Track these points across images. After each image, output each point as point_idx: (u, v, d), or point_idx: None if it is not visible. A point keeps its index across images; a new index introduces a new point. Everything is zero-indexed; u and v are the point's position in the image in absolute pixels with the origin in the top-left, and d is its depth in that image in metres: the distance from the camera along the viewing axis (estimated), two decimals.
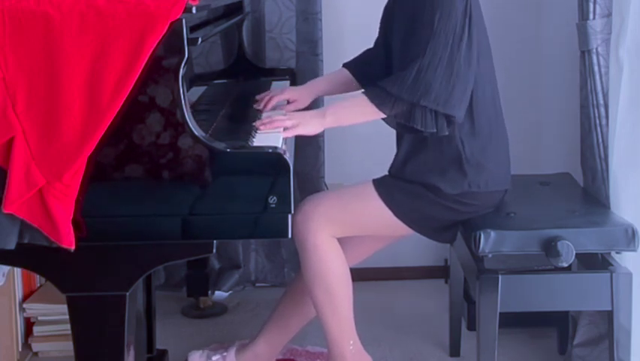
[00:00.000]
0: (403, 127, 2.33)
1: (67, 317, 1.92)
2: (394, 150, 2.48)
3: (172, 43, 1.82)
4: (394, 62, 2.40)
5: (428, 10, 2.25)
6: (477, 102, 2.35)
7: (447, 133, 2.29)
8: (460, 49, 2.25)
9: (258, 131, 2.18)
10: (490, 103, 2.41)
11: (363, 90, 2.36)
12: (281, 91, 2.62)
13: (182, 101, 1.82)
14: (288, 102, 2.59)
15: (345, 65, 2.67)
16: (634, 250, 2.32)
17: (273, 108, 2.54)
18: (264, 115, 2.38)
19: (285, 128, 2.23)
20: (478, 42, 2.33)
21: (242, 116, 2.45)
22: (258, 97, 2.59)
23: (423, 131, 2.27)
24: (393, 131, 2.49)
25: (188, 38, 1.83)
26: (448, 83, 2.23)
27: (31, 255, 1.87)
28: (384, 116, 2.31)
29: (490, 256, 2.33)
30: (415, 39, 2.27)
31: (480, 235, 2.30)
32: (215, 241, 1.89)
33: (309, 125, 2.30)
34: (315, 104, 2.70)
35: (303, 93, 2.63)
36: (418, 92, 2.22)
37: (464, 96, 2.27)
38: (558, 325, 2.81)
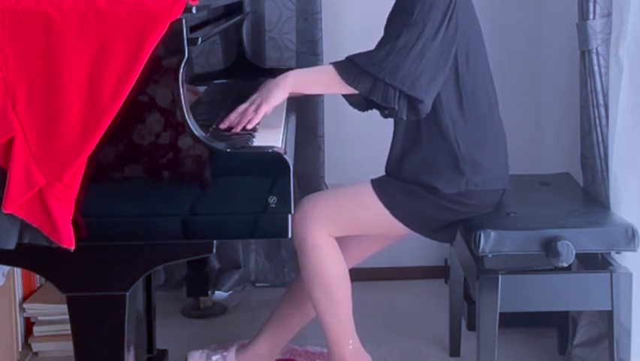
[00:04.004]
0: (366, 107, 2.34)
1: (67, 317, 1.92)
2: None
3: (172, 43, 1.81)
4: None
5: (410, 1, 2.28)
6: (469, 100, 2.36)
7: (404, 118, 2.29)
8: (435, 40, 2.27)
9: (227, 133, 2.14)
10: (485, 101, 2.41)
11: (331, 62, 2.35)
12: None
13: (182, 101, 1.82)
14: None
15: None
16: (634, 250, 2.32)
17: None
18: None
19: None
20: (469, 40, 2.34)
21: None
22: None
23: (383, 108, 2.28)
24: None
25: (188, 38, 1.83)
26: (417, 67, 2.25)
27: (31, 255, 1.86)
28: (349, 90, 2.29)
29: (490, 256, 2.33)
30: (394, 24, 2.31)
31: (480, 235, 2.30)
32: (215, 241, 1.89)
33: (272, 98, 2.25)
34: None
35: None
36: (385, 69, 2.24)
37: (432, 84, 2.28)
38: (558, 325, 2.81)
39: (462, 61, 2.34)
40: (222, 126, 2.17)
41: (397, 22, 2.30)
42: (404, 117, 2.30)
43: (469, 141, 2.37)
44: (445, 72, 2.31)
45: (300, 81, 2.33)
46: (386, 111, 2.31)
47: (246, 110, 2.21)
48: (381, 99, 2.27)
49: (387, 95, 2.26)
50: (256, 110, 2.20)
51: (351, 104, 2.42)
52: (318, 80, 2.36)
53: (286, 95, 2.30)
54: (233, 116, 2.19)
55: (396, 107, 2.27)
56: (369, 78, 2.26)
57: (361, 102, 2.41)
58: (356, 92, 2.29)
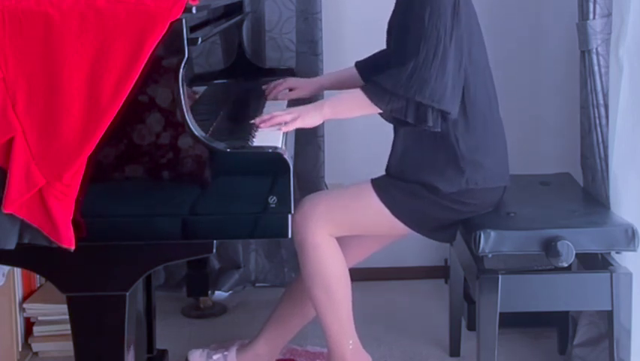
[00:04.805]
0: (399, 121, 2.35)
1: (67, 317, 1.92)
2: None
3: (172, 43, 1.82)
4: (391, 59, 2.42)
5: (418, 6, 2.28)
6: (470, 99, 2.36)
7: (439, 129, 2.31)
8: (451, 45, 2.27)
9: (258, 129, 2.20)
10: (485, 100, 2.42)
11: (361, 86, 2.38)
12: (284, 80, 2.75)
13: (182, 101, 1.82)
14: (290, 90, 2.71)
15: (355, 64, 2.70)
16: (634, 250, 2.32)
17: (275, 98, 2.68)
18: (264, 111, 2.41)
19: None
20: (471, 40, 2.34)
21: (242, 116, 2.45)
22: (264, 86, 2.73)
23: (417, 125, 2.29)
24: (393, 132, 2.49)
25: (188, 38, 1.83)
26: (442, 79, 2.25)
27: (31, 255, 1.87)
28: (380, 110, 2.33)
29: (490, 256, 2.33)
30: (409, 37, 2.30)
31: (480, 235, 2.30)
32: (215, 241, 1.89)
33: (308, 117, 2.31)
34: (316, 98, 2.74)
35: (304, 83, 2.74)
36: (413, 88, 2.24)
37: (455, 92, 2.29)
38: (558, 325, 2.81)
39: (465, 57, 2.34)
40: (255, 122, 2.25)
41: (412, 34, 2.29)
42: (439, 129, 2.31)
43: (468, 139, 2.37)
44: (462, 76, 2.31)
45: (336, 110, 2.38)
46: (418, 127, 2.32)
47: (280, 116, 2.26)
48: (415, 120, 2.28)
49: (418, 115, 2.28)
50: (291, 121, 2.26)
51: (384, 117, 2.43)
52: (353, 106, 2.39)
53: (321, 122, 2.37)
54: (266, 117, 2.26)
55: (431, 123, 2.29)
56: (400, 100, 2.27)
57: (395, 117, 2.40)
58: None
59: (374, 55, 2.70)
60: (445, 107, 2.26)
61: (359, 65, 2.70)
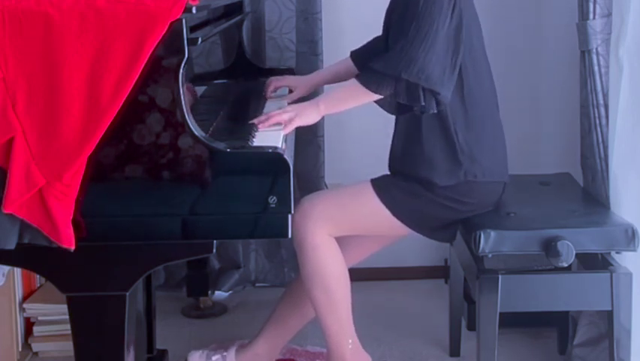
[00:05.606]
0: (396, 107, 2.36)
1: (67, 317, 1.92)
2: None
3: (172, 43, 1.82)
4: (387, 46, 2.42)
5: None
6: (471, 94, 2.36)
7: (435, 111, 2.31)
8: (442, 30, 2.27)
9: (257, 130, 2.20)
10: (485, 96, 2.42)
11: (355, 76, 2.38)
12: (282, 78, 2.77)
13: (182, 101, 1.82)
14: (290, 91, 2.71)
15: (351, 53, 2.71)
16: (634, 250, 2.32)
17: (275, 90, 2.71)
18: (264, 111, 2.42)
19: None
20: (470, 36, 2.35)
21: (242, 116, 2.45)
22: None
23: (412, 107, 2.30)
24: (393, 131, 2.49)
25: (188, 38, 1.83)
26: (430, 59, 2.25)
27: (31, 255, 1.87)
28: (375, 97, 2.33)
29: (490, 256, 2.33)
30: (404, 22, 2.31)
31: (480, 235, 2.30)
32: (215, 241, 1.89)
33: (305, 116, 2.33)
34: (315, 95, 2.75)
35: (302, 81, 2.74)
36: (399, 65, 2.25)
37: (447, 75, 2.29)
38: (558, 325, 2.81)
39: (465, 51, 2.33)
40: (254, 121, 2.26)
41: (405, 19, 2.30)
42: (435, 110, 2.31)
43: (467, 133, 2.37)
44: (457, 64, 2.31)
45: (331, 104, 2.39)
46: (416, 109, 2.33)
47: (277, 115, 2.28)
48: (407, 99, 2.29)
49: (410, 94, 2.28)
50: (289, 121, 2.28)
51: (383, 107, 2.43)
52: (347, 97, 2.40)
53: (318, 119, 2.37)
54: (263, 117, 2.27)
55: (424, 103, 2.28)
56: (389, 80, 2.28)
57: (393, 105, 2.41)
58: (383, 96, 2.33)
59: (368, 42, 2.70)
60: (434, 86, 2.26)
61: (354, 55, 2.70)
